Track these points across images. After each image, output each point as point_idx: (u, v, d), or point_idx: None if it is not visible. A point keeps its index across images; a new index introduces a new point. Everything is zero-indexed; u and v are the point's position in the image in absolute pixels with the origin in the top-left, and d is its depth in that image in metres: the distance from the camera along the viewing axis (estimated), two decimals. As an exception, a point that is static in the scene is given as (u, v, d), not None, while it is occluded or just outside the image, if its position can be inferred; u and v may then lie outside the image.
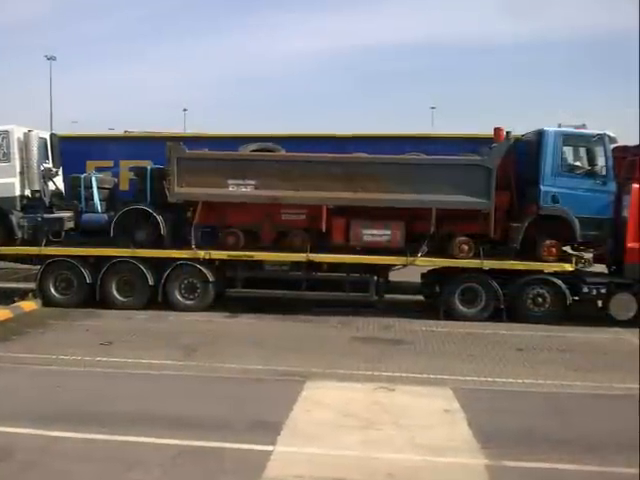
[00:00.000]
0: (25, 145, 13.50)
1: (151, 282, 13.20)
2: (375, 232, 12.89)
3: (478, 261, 12.72)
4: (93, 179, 13.83)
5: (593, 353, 10.61)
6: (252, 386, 8.52)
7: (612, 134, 12.68)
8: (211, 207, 13.22)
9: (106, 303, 13.29)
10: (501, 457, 6.21)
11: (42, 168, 13.75)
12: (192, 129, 36.05)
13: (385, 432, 6.84)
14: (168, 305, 13.19)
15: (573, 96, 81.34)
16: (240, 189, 12.85)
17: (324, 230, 12.98)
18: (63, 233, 13.76)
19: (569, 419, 7.45)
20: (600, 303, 12.82)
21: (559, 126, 12.81)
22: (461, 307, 12.93)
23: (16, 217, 13.49)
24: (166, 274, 13.17)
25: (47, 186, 13.90)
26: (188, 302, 13.25)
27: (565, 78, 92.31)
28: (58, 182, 14.35)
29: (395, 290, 14.03)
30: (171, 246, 13.41)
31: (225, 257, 13.15)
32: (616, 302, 12.58)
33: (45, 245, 13.47)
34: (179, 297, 13.25)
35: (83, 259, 13.42)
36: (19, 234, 13.51)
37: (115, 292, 13.36)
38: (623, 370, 9.28)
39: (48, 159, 14.14)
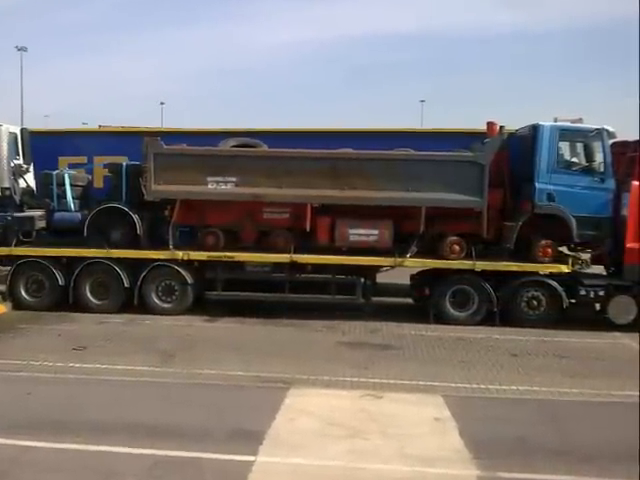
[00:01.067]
0: None
1: (127, 284, 12.94)
2: (362, 232, 12.62)
3: (470, 262, 12.51)
4: (66, 176, 13.52)
5: (590, 359, 10.50)
6: (233, 393, 8.38)
7: (611, 129, 12.49)
8: (190, 205, 12.94)
9: (79, 306, 13.01)
10: (494, 468, 6.11)
11: (12, 164, 13.54)
12: (170, 123, 36.13)
13: (372, 442, 6.73)
14: (144, 308, 12.93)
15: (571, 87, 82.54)
16: (220, 186, 12.57)
17: (308, 230, 12.71)
18: (34, 233, 13.52)
19: (565, 428, 7.33)
20: (598, 306, 12.63)
21: (555, 120, 12.70)
22: (452, 310, 12.69)
23: (-16, 216, 13.26)
24: (142, 276, 12.91)
25: (17, 183, 13.69)
26: (165, 305, 12.99)
27: (563, 69, 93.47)
28: (29, 179, 14.13)
29: (383, 292, 13.77)
30: (148, 246, 13.12)
31: (204, 258, 12.89)
32: (615, 305, 12.37)
33: (15, 245, 13.21)
34: (156, 300, 12.97)
35: (55, 260, 13.14)
36: (-12, 234, 13.28)
37: (89, 294, 13.06)
38: (622, 376, 9.12)
39: (19, 155, 13.95)
